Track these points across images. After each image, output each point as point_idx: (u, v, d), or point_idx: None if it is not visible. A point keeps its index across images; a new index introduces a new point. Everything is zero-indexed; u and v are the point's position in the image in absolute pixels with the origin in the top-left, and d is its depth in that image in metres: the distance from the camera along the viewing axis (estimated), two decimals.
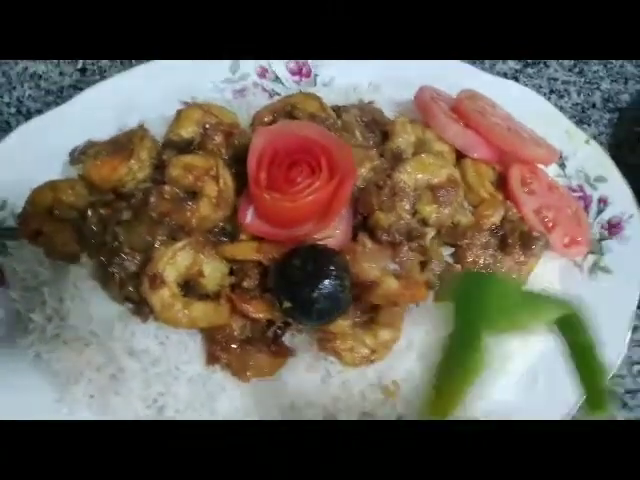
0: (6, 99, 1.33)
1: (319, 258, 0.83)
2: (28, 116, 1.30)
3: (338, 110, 1.06)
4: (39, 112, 1.30)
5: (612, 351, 0.94)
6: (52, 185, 1.00)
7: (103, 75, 1.36)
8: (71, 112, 1.16)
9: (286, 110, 1.05)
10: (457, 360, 0.56)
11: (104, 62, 1.38)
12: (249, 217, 0.90)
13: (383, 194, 0.92)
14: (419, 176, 0.95)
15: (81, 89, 1.32)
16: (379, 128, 1.04)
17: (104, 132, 1.13)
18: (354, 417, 0.89)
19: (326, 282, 0.80)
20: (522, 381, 0.93)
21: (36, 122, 1.15)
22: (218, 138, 0.99)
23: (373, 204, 0.91)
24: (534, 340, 0.97)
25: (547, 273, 1.01)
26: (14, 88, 1.35)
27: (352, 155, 0.90)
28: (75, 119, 1.15)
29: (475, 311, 0.57)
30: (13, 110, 1.32)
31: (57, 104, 1.30)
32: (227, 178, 0.93)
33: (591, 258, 1.03)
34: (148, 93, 1.19)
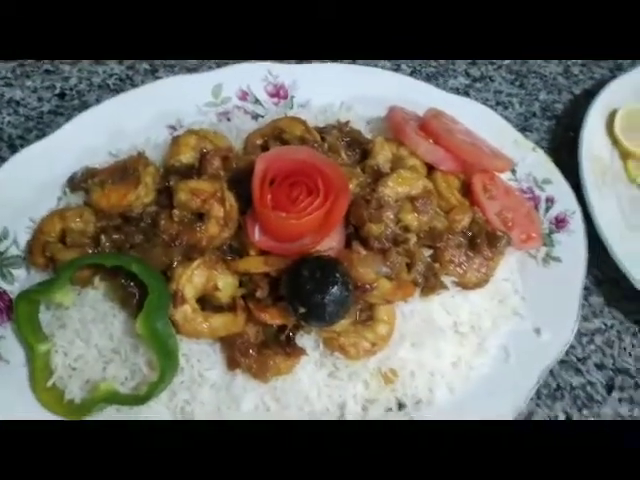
0: None
1: (325, 268, 0.94)
2: (10, 142, 1.33)
3: (320, 132, 1.18)
4: (21, 138, 1.34)
5: (566, 325, 1.12)
6: (60, 214, 1.06)
7: (82, 99, 1.40)
8: (62, 140, 1.20)
9: (275, 134, 1.16)
10: None
11: (82, 86, 1.42)
12: (257, 234, 1.00)
13: (371, 207, 1.05)
14: (399, 189, 1.09)
15: (61, 114, 1.38)
16: (359, 147, 1.17)
17: (97, 158, 1.19)
18: (360, 404, 1.02)
19: (334, 288, 0.92)
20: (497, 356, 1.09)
21: (28, 151, 1.18)
22: (217, 162, 1.08)
23: (364, 216, 1.04)
24: (502, 322, 1.14)
25: (508, 265, 1.18)
26: None
27: (344, 174, 1.02)
28: (67, 146, 1.20)
29: None
30: None
31: (38, 129, 1.35)
32: (232, 200, 1.03)
33: (543, 250, 1.20)
34: (135, 118, 1.25)
